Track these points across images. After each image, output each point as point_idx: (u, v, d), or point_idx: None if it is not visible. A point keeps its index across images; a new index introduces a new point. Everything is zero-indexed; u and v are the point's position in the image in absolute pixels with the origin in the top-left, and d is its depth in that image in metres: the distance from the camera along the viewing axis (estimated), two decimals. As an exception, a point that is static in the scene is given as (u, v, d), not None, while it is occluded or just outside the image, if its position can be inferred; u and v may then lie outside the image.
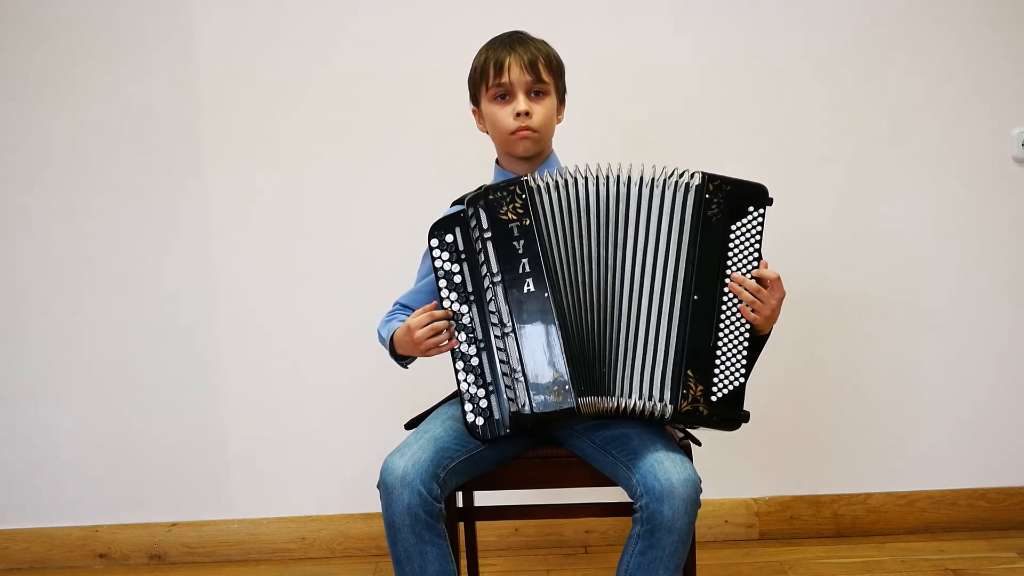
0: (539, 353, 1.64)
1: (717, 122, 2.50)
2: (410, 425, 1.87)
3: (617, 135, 2.49)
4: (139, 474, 2.60)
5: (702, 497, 1.65)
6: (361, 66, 2.50)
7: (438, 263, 1.73)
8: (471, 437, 1.71)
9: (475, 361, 1.70)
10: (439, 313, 1.73)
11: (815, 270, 2.49)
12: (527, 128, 1.86)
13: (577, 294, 1.70)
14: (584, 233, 1.72)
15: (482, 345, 1.70)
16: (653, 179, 1.72)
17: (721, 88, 2.50)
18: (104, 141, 2.53)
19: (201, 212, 2.54)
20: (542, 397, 1.63)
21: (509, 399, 1.66)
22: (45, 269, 2.56)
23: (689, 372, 1.67)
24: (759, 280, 1.71)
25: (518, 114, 1.85)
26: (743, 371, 1.70)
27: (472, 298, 1.71)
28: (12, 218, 2.55)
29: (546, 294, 1.66)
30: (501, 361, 1.67)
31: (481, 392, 1.69)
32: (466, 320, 1.71)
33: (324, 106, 2.51)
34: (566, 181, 1.72)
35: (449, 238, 1.73)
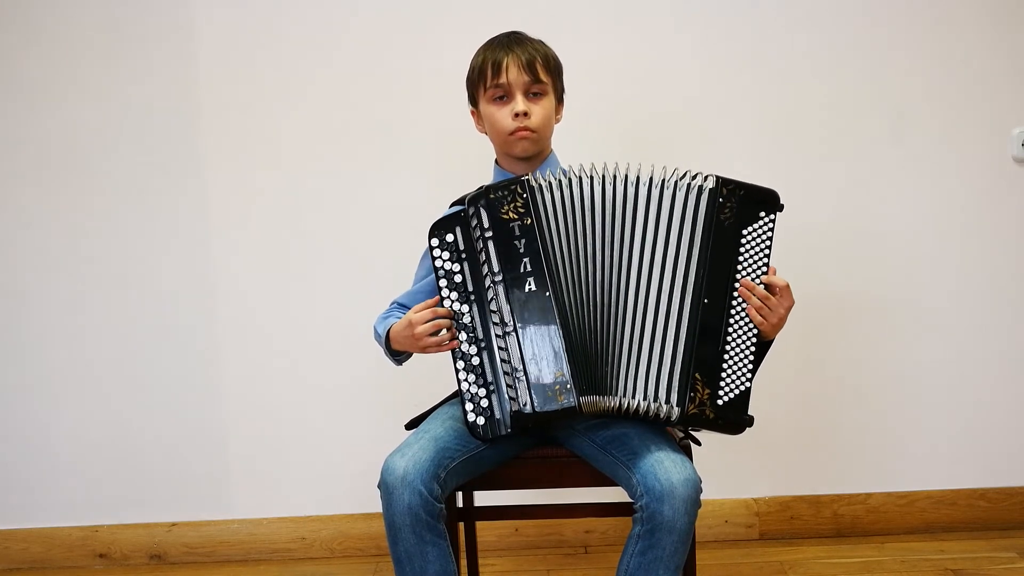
0: (541, 352, 1.64)
1: (717, 122, 2.50)
2: (410, 425, 1.87)
3: (616, 135, 2.49)
4: (139, 474, 2.60)
5: (702, 497, 1.65)
6: (361, 66, 2.50)
7: (438, 263, 1.73)
8: (472, 437, 1.71)
9: (476, 361, 1.70)
10: (442, 311, 1.72)
11: (815, 270, 2.49)
12: (526, 128, 1.86)
13: (579, 293, 1.70)
14: (587, 232, 1.71)
15: (483, 344, 1.70)
16: (663, 180, 1.72)
17: (721, 88, 2.50)
18: (104, 141, 2.53)
19: (201, 212, 2.54)
20: (543, 396, 1.63)
21: (511, 398, 1.66)
22: (45, 269, 2.56)
23: (697, 375, 1.67)
24: (768, 287, 1.72)
25: (516, 114, 1.85)
26: (749, 375, 1.70)
27: (473, 297, 1.71)
28: (12, 218, 2.55)
29: (547, 293, 1.66)
30: (502, 360, 1.67)
31: (482, 392, 1.69)
32: (467, 320, 1.71)
33: (324, 106, 2.51)
34: (570, 180, 1.72)
35: (450, 238, 1.73)
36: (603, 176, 1.73)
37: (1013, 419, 2.57)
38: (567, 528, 2.59)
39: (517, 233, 1.68)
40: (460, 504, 1.98)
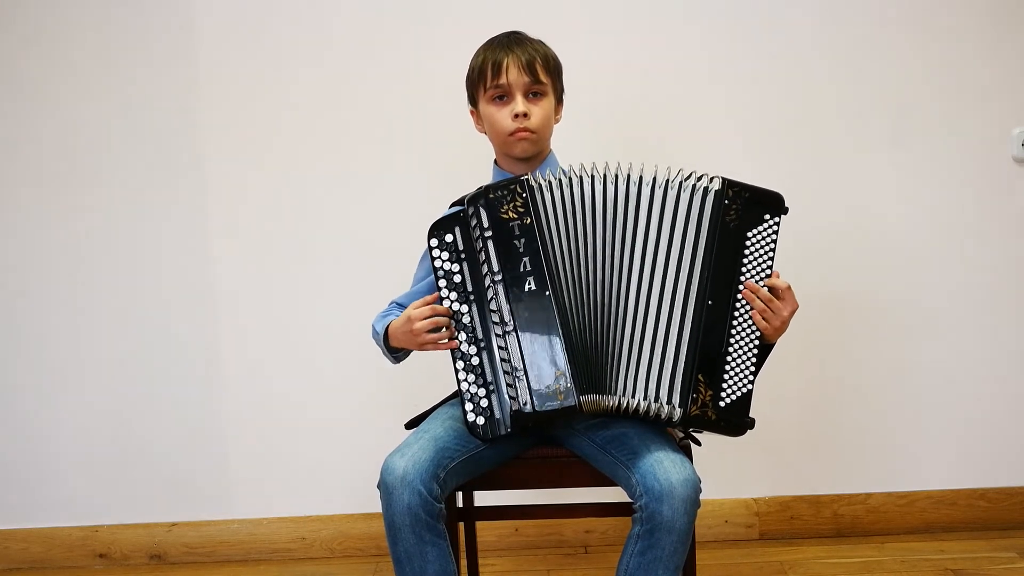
0: (540, 351, 1.64)
1: (717, 123, 2.50)
2: (410, 425, 1.87)
3: (616, 136, 2.49)
4: (139, 474, 2.60)
5: (702, 497, 1.65)
6: (361, 66, 2.50)
7: (438, 263, 1.73)
8: (471, 437, 1.71)
9: (475, 360, 1.70)
10: (441, 308, 1.72)
11: (815, 270, 2.49)
12: (525, 129, 1.86)
13: (580, 293, 1.70)
14: (588, 232, 1.71)
15: (483, 344, 1.70)
16: (668, 180, 1.72)
17: (722, 89, 2.50)
18: (103, 140, 2.53)
19: (201, 212, 2.54)
20: (543, 395, 1.63)
21: (510, 398, 1.65)
22: (45, 268, 2.56)
23: (700, 376, 1.67)
24: (771, 290, 1.72)
25: (516, 115, 1.85)
26: (751, 377, 1.70)
27: (472, 297, 1.71)
28: (11, 218, 2.55)
29: (547, 292, 1.65)
30: (502, 360, 1.67)
31: (482, 391, 1.69)
32: (466, 320, 1.71)
33: (324, 106, 2.51)
34: (570, 180, 1.72)
35: (449, 238, 1.73)
36: (604, 176, 1.72)
37: (1013, 419, 2.57)
38: (567, 528, 2.59)
39: (517, 233, 1.68)
40: (460, 504, 1.98)
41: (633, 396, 1.69)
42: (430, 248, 1.73)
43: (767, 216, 1.73)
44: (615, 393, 1.70)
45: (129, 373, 2.58)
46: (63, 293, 2.56)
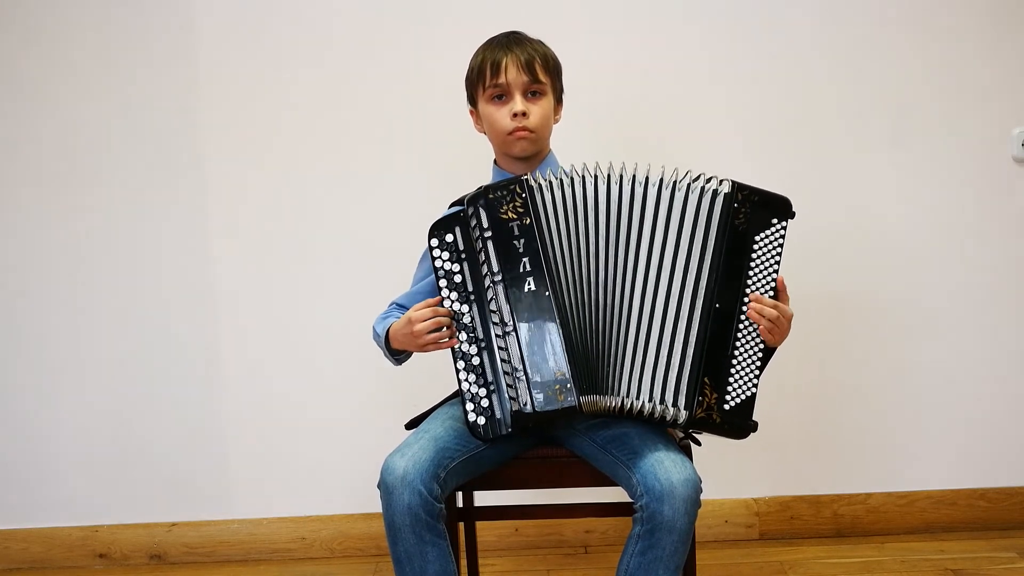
0: (541, 352, 1.64)
1: (717, 123, 2.50)
2: (410, 425, 1.87)
3: (616, 136, 2.49)
4: (139, 474, 2.60)
5: (702, 497, 1.65)
6: (361, 66, 2.50)
7: (438, 263, 1.73)
8: (471, 437, 1.71)
9: (476, 360, 1.70)
10: (442, 309, 1.72)
11: (815, 270, 2.49)
12: (524, 128, 1.86)
13: (581, 293, 1.70)
14: (589, 232, 1.71)
15: (483, 344, 1.70)
16: (675, 182, 1.71)
17: (722, 89, 2.50)
18: (103, 140, 2.53)
19: (200, 212, 2.54)
20: (544, 395, 1.63)
21: (511, 398, 1.65)
22: (44, 268, 2.56)
23: (706, 379, 1.67)
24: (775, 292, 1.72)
25: (515, 114, 1.85)
26: (755, 381, 1.70)
27: (472, 297, 1.71)
28: (11, 217, 2.55)
29: (547, 293, 1.65)
30: (502, 360, 1.67)
31: (482, 391, 1.69)
32: (467, 320, 1.71)
33: (324, 106, 2.51)
34: (572, 180, 1.72)
35: (449, 238, 1.73)
36: (608, 176, 1.72)
37: (1013, 419, 2.57)
38: (567, 528, 2.59)
39: (516, 233, 1.68)
40: (460, 504, 1.98)
41: (638, 398, 1.69)
42: (430, 248, 1.73)
43: (775, 220, 1.73)
44: (617, 394, 1.70)
45: (129, 373, 2.58)
46: (63, 293, 2.56)
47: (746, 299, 1.70)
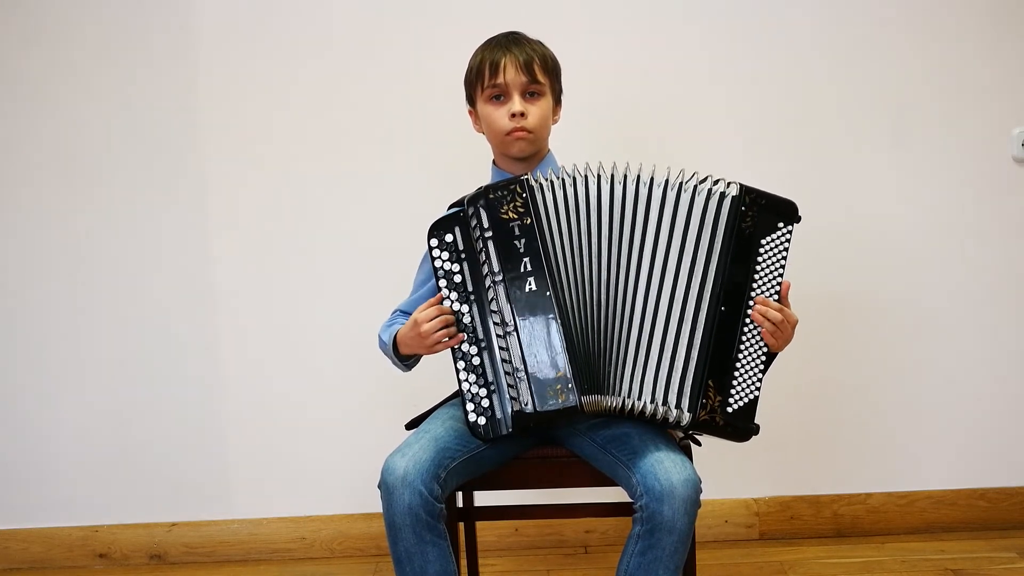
0: (541, 352, 1.64)
1: (717, 123, 2.50)
2: (410, 425, 1.87)
3: (615, 136, 2.48)
4: (139, 474, 2.60)
5: (702, 497, 1.65)
6: (361, 66, 2.50)
7: (438, 263, 1.72)
8: (472, 437, 1.71)
9: (476, 361, 1.70)
10: (446, 307, 1.72)
11: (815, 270, 2.48)
12: (522, 129, 1.86)
13: (582, 293, 1.70)
14: (591, 232, 1.71)
15: (483, 344, 1.70)
16: (681, 183, 1.71)
17: (722, 90, 2.50)
18: (102, 140, 2.52)
19: (200, 211, 2.54)
20: (545, 395, 1.62)
21: (511, 398, 1.65)
22: (44, 268, 2.56)
23: (710, 382, 1.67)
24: (779, 296, 1.72)
25: (513, 115, 1.85)
26: (758, 384, 1.70)
27: (473, 297, 1.71)
28: (10, 217, 2.55)
29: (548, 293, 1.65)
30: (503, 360, 1.67)
31: (483, 392, 1.69)
32: (467, 319, 1.71)
33: (324, 106, 2.51)
34: (574, 180, 1.72)
35: (449, 238, 1.72)
36: (612, 176, 1.72)
37: (1013, 419, 2.57)
38: (567, 528, 2.59)
39: (517, 233, 1.68)
40: (460, 504, 1.98)
41: (640, 399, 1.69)
42: (430, 248, 1.73)
43: (781, 224, 1.73)
44: (619, 394, 1.69)
45: (129, 373, 2.58)
46: (63, 293, 2.56)
47: (751, 302, 1.70)
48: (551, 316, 1.64)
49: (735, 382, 1.69)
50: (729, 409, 1.68)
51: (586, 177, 1.72)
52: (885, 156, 2.51)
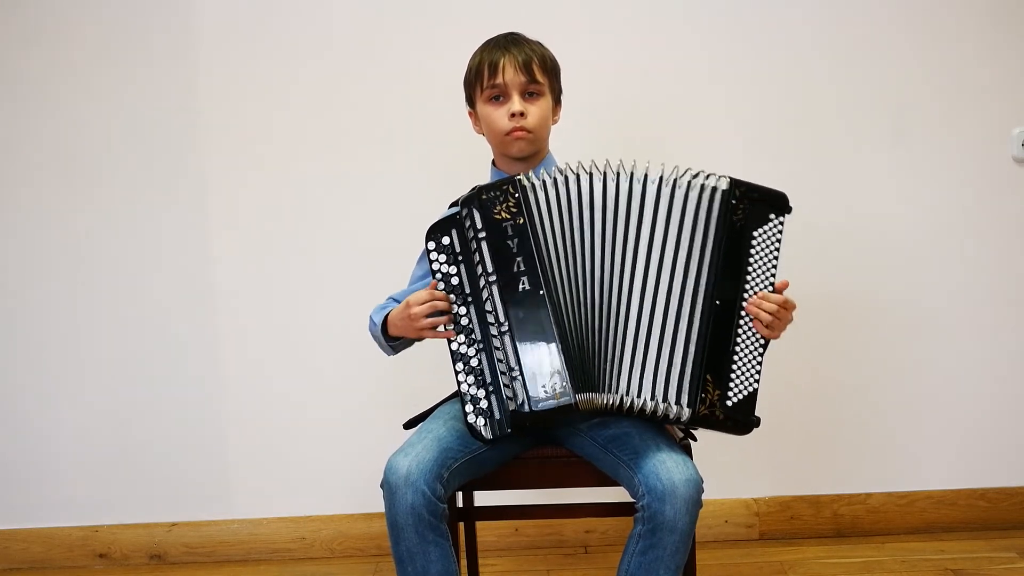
0: (536, 351, 1.63)
1: (717, 123, 2.50)
2: (409, 425, 1.87)
3: (615, 136, 2.48)
4: (139, 474, 2.60)
5: (702, 497, 1.65)
6: (361, 67, 2.50)
7: (435, 265, 1.72)
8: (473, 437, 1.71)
9: (475, 362, 1.70)
10: (440, 295, 1.72)
11: (815, 270, 2.49)
12: (522, 129, 1.86)
13: (577, 291, 1.69)
14: (585, 230, 1.71)
15: (481, 346, 1.70)
16: (675, 179, 1.71)
17: (721, 89, 2.50)
18: (102, 140, 2.53)
19: (200, 212, 2.54)
20: (540, 394, 1.62)
21: (508, 398, 1.65)
22: (44, 268, 2.56)
23: (708, 376, 1.67)
24: (775, 290, 1.72)
25: (512, 115, 1.85)
26: (757, 376, 1.70)
27: (470, 299, 1.71)
28: (10, 218, 2.55)
29: (541, 292, 1.65)
30: (499, 360, 1.67)
31: (481, 393, 1.69)
32: (465, 321, 1.71)
33: (324, 107, 2.51)
34: (566, 178, 1.71)
35: (445, 240, 1.72)
36: (604, 173, 1.72)
37: (1013, 419, 2.57)
38: (567, 528, 2.59)
39: (510, 233, 1.67)
40: (460, 504, 1.98)
41: (639, 396, 1.69)
42: (428, 251, 1.73)
43: (772, 215, 1.73)
44: (616, 391, 1.69)
45: (129, 373, 2.58)
46: (63, 293, 2.56)
47: (746, 295, 1.70)
48: (545, 315, 1.64)
49: (733, 375, 1.69)
50: (729, 403, 1.68)
51: (578, 175, 1.72)
52: (885, 156, 2.51)
